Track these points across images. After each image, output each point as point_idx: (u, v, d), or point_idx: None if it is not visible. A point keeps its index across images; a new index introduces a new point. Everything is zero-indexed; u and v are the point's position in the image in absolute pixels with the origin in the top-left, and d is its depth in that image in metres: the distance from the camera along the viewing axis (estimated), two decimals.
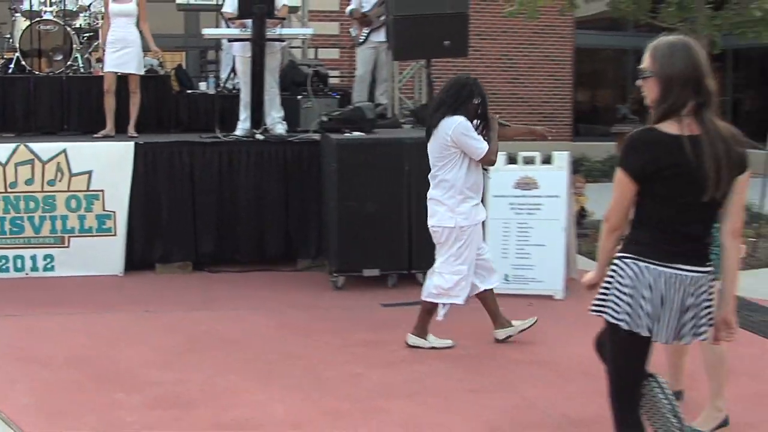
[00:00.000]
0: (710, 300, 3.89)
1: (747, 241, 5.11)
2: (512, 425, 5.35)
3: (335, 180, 8.72)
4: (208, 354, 6.75)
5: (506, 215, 8.67)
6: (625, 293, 3.78)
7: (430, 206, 6.81)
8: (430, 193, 6.82)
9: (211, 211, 9.60)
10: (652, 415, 4.02)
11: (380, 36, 11.20)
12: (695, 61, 3.75)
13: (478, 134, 6.65)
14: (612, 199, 3.82)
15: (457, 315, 7.95)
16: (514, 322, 7.00)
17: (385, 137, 9.20)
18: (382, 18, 11.00)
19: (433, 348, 6.87)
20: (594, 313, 3.90)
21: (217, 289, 8.91)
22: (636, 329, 3.77)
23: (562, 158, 8.80)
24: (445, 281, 6.73)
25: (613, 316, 3.81)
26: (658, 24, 12.84)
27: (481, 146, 6.59)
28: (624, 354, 3.91)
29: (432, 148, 6.73)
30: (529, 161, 8.87)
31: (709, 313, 3.89)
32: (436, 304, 6.87)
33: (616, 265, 3.85)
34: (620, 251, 3.85)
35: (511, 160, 8.95)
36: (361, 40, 11.52)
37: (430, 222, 6.81)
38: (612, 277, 3.85)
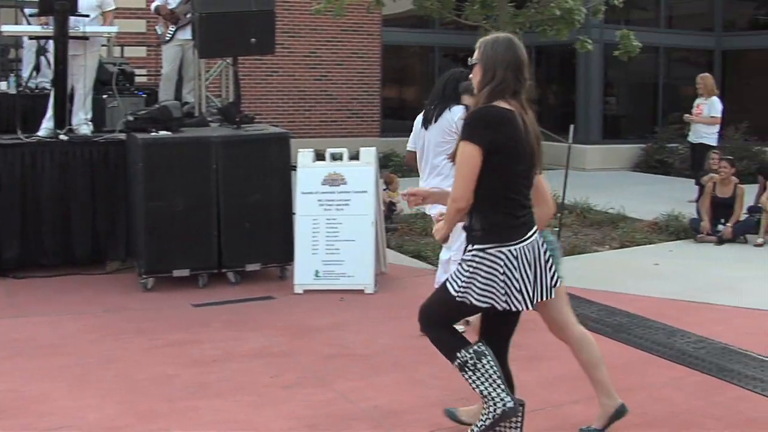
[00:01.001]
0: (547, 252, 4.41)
1: (552, 230, 5.43)
2: (326, 419, 5.46)
3: (141, 180, 8.65)
4: (17, 361, 6.60)
5: (315, 211, 8.77)
6: (499, 279, 4.19)
7: None
8: (429, 183, 6.92)
9: (14, 214, 9.29)
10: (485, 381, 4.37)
11: (186, 34, 11.10)
12: (515, 51, 4.32)
13: None
14: (459, 179, 4.18)
15: (269, 312, 8.02)
16: None
17: (192, 136, 9.15)
18: (189, 15, 10.91)
19: None
20: (461, 299, 4.25)
21: (23, 294, 8.66)
22: (514, 308, 4.24)
23: (369, 154, 8.99)
24: None
25: (482, 301, 4.22)
26: (462, 21, 13.19)
27: None
28: (462, 315, 4.57)
29: (431, 137, 6.98)
30: (336, 158, 9.00)
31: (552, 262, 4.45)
32: None
33: (479, 257, 4.21)
34: (478, 243, 4.23)
35: (319, 156, 9.06)
36: (167, 38, 11.41)
37: (433, 211, 6.73)
38: (479, 269, 4.21)
